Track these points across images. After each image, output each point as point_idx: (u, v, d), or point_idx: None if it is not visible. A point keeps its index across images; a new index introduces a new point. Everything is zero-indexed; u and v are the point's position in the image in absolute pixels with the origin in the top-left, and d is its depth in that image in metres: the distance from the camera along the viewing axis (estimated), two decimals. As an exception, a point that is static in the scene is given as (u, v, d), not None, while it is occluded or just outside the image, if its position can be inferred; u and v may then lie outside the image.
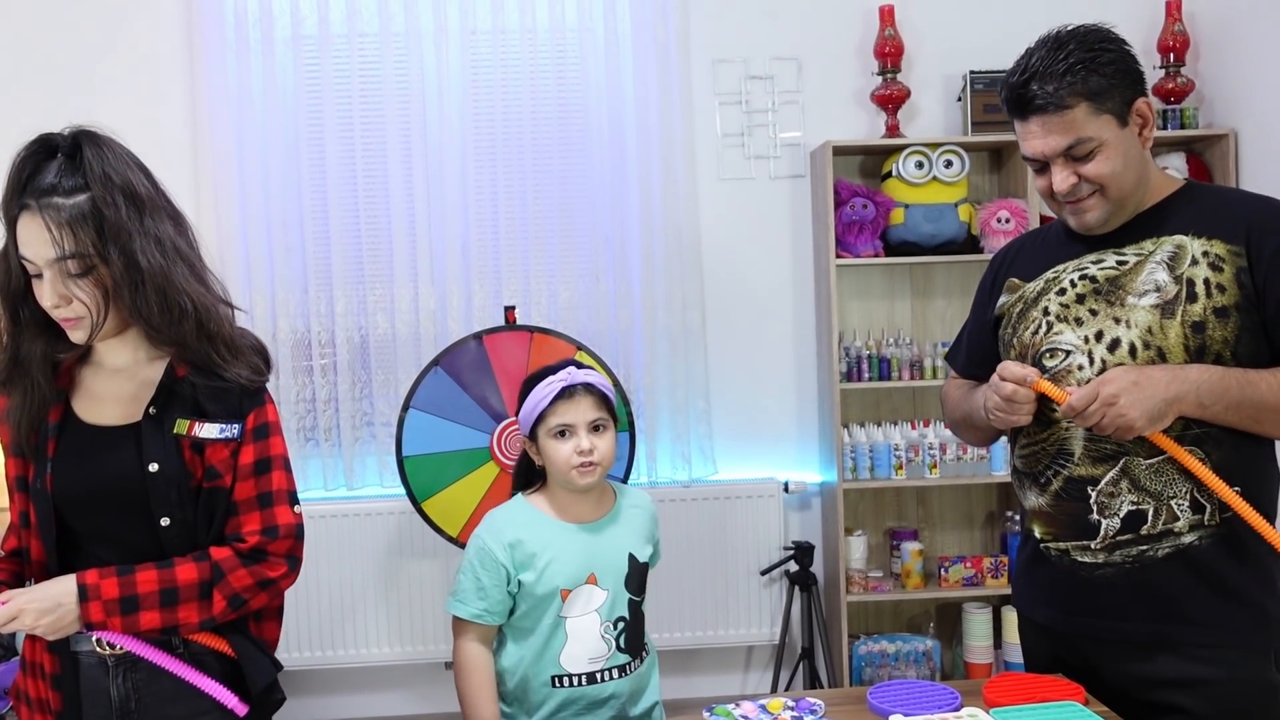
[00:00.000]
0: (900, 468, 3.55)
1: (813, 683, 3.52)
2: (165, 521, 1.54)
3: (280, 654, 3.59)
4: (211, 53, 3.45)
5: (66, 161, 1.50)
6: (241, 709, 1.56)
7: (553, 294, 3.59)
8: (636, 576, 1.94)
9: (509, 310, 3.15)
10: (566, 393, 1.89)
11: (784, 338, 3.77)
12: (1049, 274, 1.79)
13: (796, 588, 3.57)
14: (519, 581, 1.86)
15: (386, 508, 3.56)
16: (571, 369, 1.93)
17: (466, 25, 3.51)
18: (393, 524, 3.57)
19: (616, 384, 3.10)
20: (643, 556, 1.95)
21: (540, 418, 1.90)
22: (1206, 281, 1.64)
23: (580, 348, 3.09)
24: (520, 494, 1.99)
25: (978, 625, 3.57)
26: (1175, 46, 3.58)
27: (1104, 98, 1.64)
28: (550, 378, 1.92)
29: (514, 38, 3.54)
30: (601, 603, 1.89)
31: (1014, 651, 3.51)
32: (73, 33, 3.54)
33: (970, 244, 3.58)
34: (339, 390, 3.58)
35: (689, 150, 3.63)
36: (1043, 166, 1.71)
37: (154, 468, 1.54)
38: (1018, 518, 3.62)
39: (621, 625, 1.91)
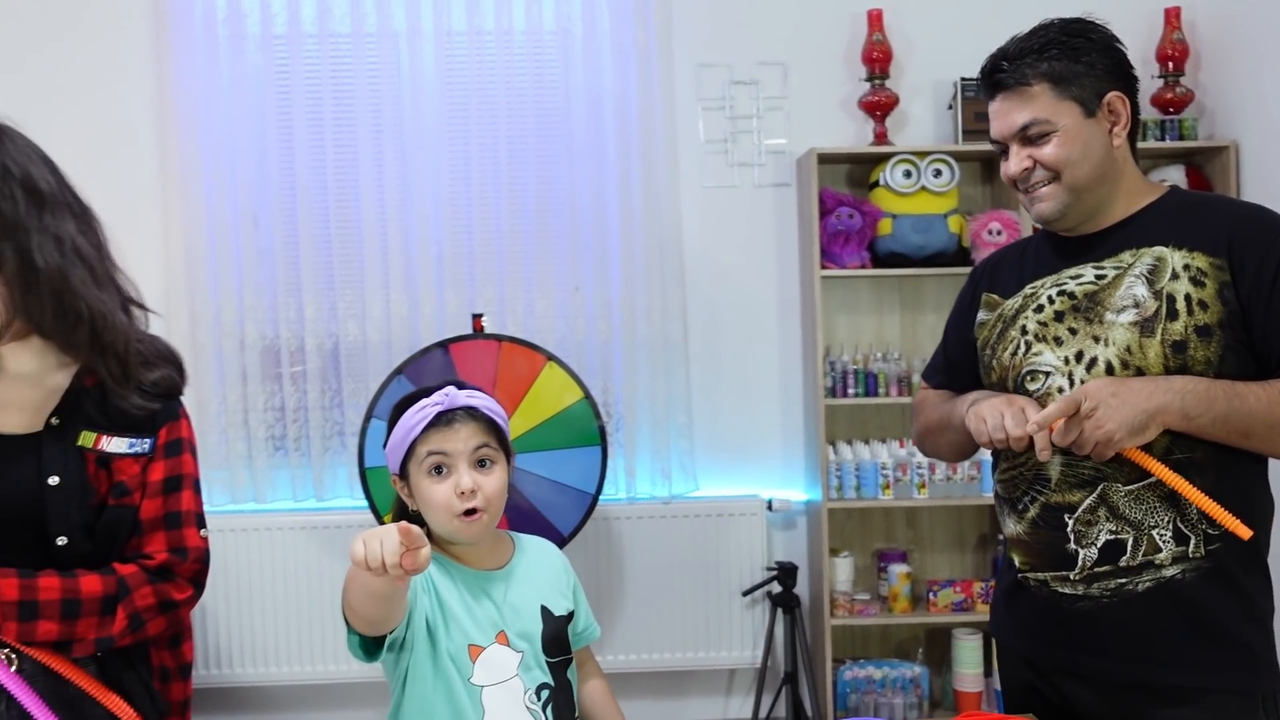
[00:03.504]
0: (887, 487, 3.43)
1: (795, 709, 3.39)
2: (62, 541, 1.42)
3: (252, 668, 3.53)
4: (179, 51, 3.35)
5: None
6: None
7: (529, 303, 3.48)
8: (552, 634, 1.63)
9: (476, 318, 3.04)
10: (443, 419, 1.56)
11: (769, 351, 3.65)
12: (1027, 290, 1.69)
13: (779, 610, 3.45)
14: (425, 621, 1.55)
15: (357, 520, 3.44)
16: (451, 389, 1.59)
17: (441, 26, 3.41)
18: (362, 538, 3.46)
19: (587, 395, 3.00)
20: (558, 610, 1.65)
21: (411, 450, 1.58)
22: (1188, 297, 1.53)
23: (551, 358, 2.97)
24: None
25: (968, 652, 3.44)
26: (1174, 55, 3.46)
27: (1069, 84, 1.59)
28: (424, 400, 1.59)
29: (490, 39, 3.44)
30: (517, 667, 1.59)
31: (1003, 679, 3.38)
32: (36, 30, 3.45)
33: (961, 256, 3.46)
34: (308, 399, 3.47)
35: (671, 157, 3.53)
36: (1006, 150, 1.66)
37: (54, 481, 1.43)
38: (1008, 540, 3.50)
39: (546, 694, 1.60)
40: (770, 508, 3.57)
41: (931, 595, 3.46)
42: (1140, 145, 3.60)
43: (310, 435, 3.49)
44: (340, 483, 3.52)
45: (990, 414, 1.55)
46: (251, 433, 3.48)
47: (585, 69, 3.46)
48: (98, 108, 3.43)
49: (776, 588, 3.45)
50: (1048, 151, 1.59)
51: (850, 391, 3.45)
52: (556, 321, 3.49)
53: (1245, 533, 1.43)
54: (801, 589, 3.54)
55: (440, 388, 1.61)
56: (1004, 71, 1.61)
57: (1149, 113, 3.49)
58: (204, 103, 3.37)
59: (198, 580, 1.51)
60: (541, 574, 1.68)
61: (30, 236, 1.37)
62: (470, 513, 1.55)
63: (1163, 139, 3.44)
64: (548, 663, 1.61)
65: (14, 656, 1.43)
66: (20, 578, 1.38)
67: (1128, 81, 1.64)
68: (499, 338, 2.98)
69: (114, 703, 1.43)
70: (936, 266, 3.44)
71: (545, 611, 1.63)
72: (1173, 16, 3.46)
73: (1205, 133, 3.49)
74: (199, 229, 3.39)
